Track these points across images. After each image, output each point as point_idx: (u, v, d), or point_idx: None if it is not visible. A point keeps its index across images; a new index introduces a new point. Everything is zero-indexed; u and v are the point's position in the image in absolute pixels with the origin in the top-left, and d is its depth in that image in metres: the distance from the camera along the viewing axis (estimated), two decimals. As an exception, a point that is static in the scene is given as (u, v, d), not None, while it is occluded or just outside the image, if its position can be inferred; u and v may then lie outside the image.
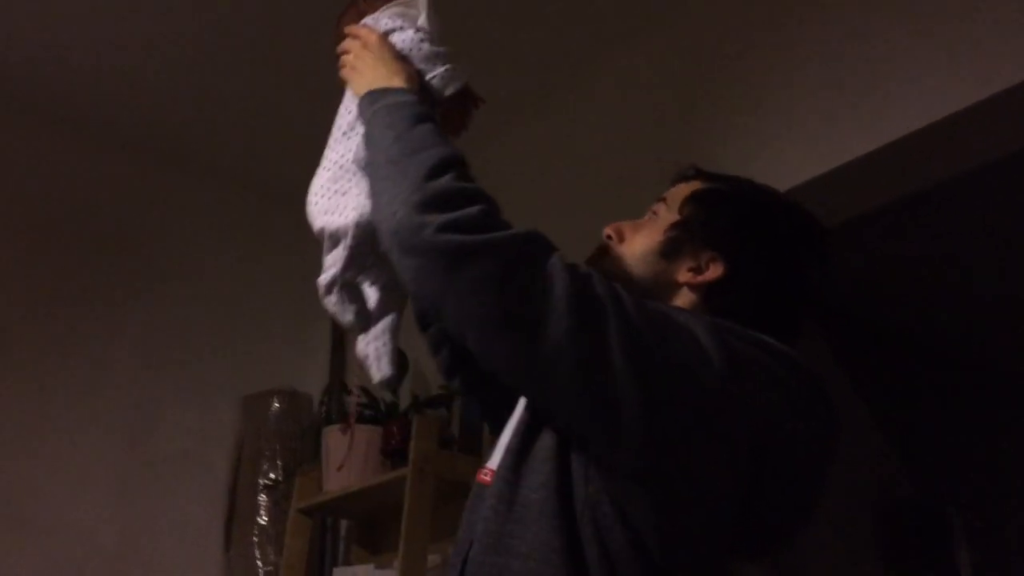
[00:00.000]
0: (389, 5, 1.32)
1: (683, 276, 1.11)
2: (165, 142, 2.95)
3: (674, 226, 1.14)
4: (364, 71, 1.22)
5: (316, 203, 1.25)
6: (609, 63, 2.50)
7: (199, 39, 2.52)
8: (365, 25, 1.28)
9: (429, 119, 1.11)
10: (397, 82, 1.18)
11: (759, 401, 0.96)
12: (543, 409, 0.98)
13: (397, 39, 1.26)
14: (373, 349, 1.23)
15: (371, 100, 1.16)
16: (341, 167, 1.25)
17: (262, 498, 2.74)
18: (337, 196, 1.23)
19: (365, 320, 1.24)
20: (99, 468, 2.68)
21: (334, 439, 2.57)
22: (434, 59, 1.26)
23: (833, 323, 3.58)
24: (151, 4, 2.39)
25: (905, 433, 3.67)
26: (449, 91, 1.26)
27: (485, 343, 0.95)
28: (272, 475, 2.77)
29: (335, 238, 1.23)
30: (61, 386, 2.68)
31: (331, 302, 1.24)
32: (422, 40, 1.26)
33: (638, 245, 1.15)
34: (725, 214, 1.13)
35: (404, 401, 2.61)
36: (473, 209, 0.98)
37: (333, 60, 1.30)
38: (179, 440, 2.81)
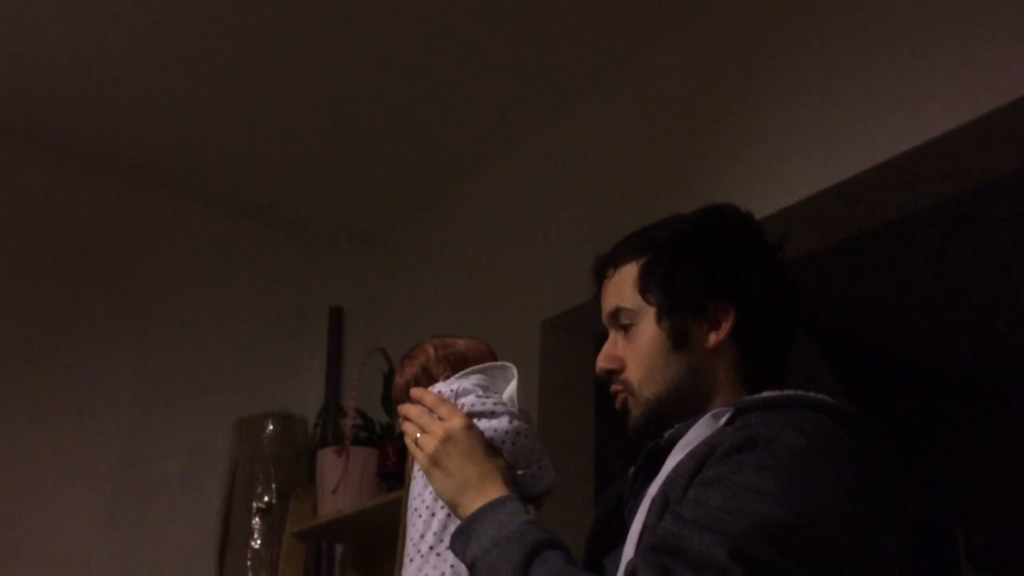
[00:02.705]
0: (471, 370, 1.16)
1: (709, 344, 1.08)
2: (158, 168, 2.94)
3: (661, 315, 1.09)
4: (452, 470, 1.05)
5: None
6: (612, 81, 2.50)
7: (194, 65, 2.51)
8: (443, 399, 1.11)
9: (537, 547, 0.94)
10: (492, 489, 1.02)
11: (885, 501, 0.97)
12: None
13: (487, 426, 1.08)
14: None
15: (468, 536, 0.99)
16: None
17: (256, 522, 2.71)
18: None
19: None
20: (90, 494, 2.65)
21: (329, 462, 2.55)
22: (529, 455, 1.09)
23: (831, 343, 3.57)
24: (151, 30, 2.39)
25: (910, 455, 3.65)
26: (535, 493, 1.11)
27: None
28: (266, 499, 2.74)
29: None
30: (52, 411, 2.65)
31: None
32: (518, 434, 1.08)
33: (649, 358, 1.09)
34: (691, 265, 1.10)
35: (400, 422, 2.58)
36: None
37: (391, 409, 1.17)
38: (171, 465, 2.79)
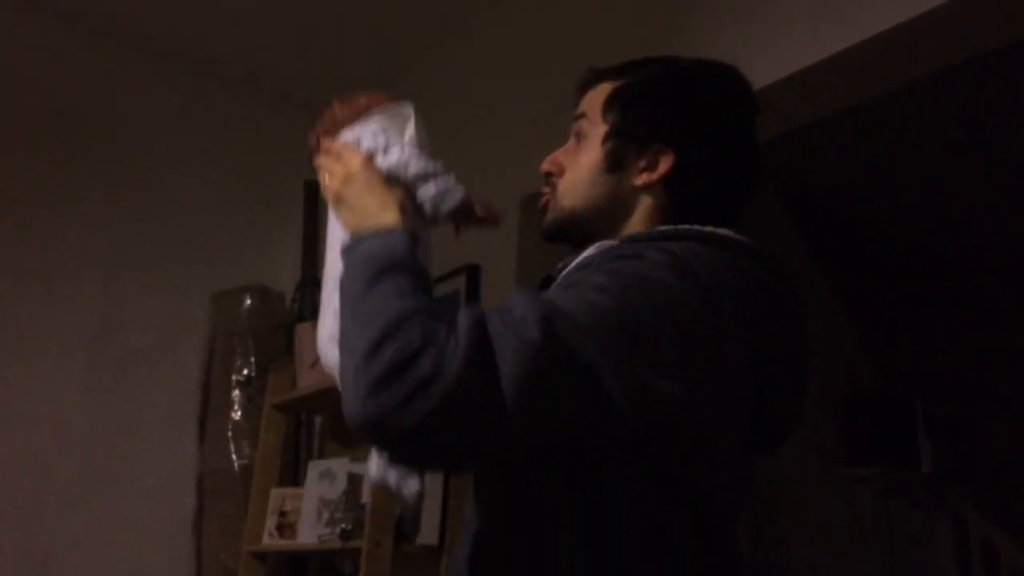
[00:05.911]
0: (370, 113, 1.22)
1: (638, 180, 1.09)
2: (134, 31, 2.84)
3: (608, 136, 1.12)
4: (353, 204, 1.10)
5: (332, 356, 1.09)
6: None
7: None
8: (346, 144, 1.17)
9: (395, 268, 0.97)
10: (388, 216, 1.07)
11: (742, 320, 0.96)
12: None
13: (382, 162, 1.15)
14: (394, 474, 1.08)
15: (348, 249, 1.04)
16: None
17: (236, 394, 2.75)
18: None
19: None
20: (68, 360, 2.66)
21: (307, 336, 2.56)
22: (424, 179, 1.14)
23: (808, 218, 3.59)
24: None
25: (874, 327, 3.73)
26: (444, 211, 1.14)
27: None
28: (245, 371, 2.77)
29: None
30: (29, 279, 2.63)
31: (392, 478, 1.08)
32: (409, 158, 1.14)
33: (581, 170, 1.13)
34: (653, 102, 1.11)
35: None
36: (412, 384, 0.85)
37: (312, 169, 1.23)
38: (148, 335, 2.80)
